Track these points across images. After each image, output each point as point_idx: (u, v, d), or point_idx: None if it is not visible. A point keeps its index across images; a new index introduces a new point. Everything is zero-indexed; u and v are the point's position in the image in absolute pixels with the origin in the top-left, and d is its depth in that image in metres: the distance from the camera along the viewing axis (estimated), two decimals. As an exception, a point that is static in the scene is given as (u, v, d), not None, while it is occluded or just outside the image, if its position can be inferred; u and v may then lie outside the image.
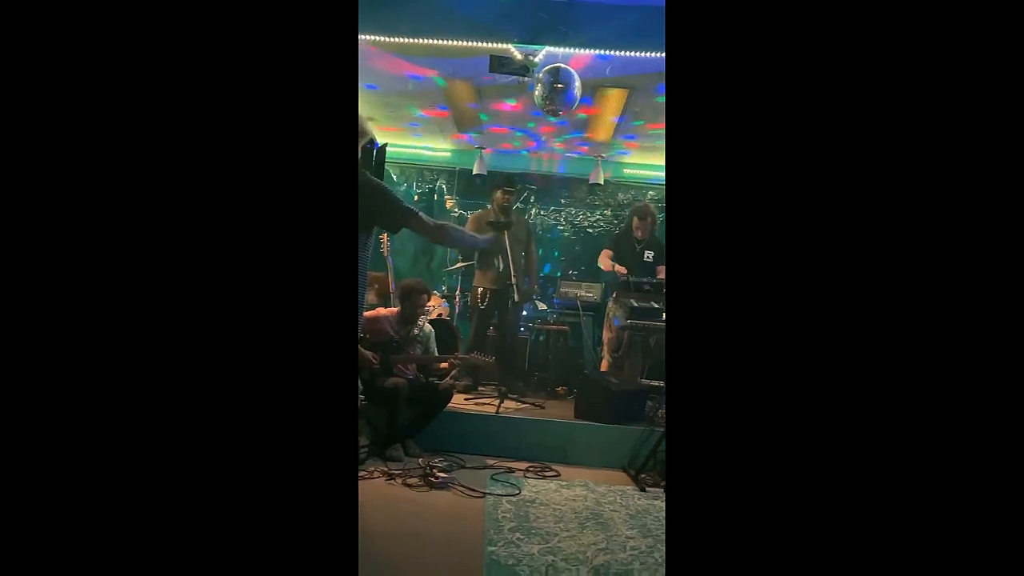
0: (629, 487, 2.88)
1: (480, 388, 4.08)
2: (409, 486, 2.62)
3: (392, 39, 3.36)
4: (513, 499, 2.55)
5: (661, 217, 4.62)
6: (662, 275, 4.04)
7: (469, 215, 4.46)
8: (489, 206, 4.23)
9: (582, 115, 4.33)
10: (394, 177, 5.84)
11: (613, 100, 4.04)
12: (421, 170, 5.81)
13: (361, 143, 1.93)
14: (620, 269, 4.02)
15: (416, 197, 5.86)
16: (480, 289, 4.19)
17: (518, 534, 2.16)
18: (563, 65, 3.36)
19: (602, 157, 5.28)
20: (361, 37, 3.34)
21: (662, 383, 3.67)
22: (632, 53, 3.30)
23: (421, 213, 2.00)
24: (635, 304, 3.79)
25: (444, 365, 3.56)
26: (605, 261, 4.19)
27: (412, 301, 3.30)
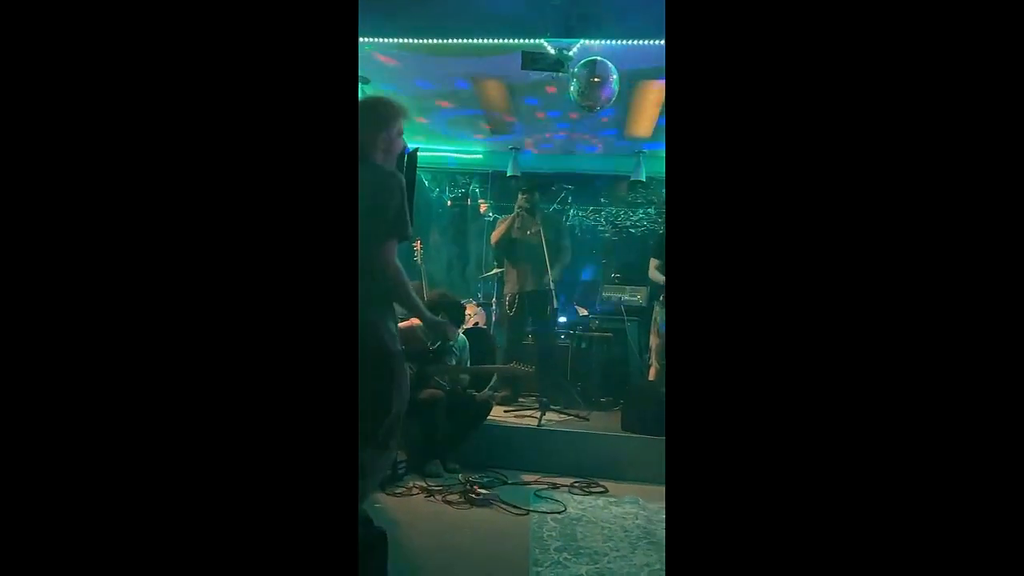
0: (683, 504, 2.83)
1: (520, 400, 4.08)
2: (449, 503, 2.63)
3: (420, 40, 3.40)
4: (559, 516, 2.53)
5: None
6: None
7: (499, 220, 4.47)
8: (515, 210, 4.26)
9: (621, 109, 4.31)
10: (426, 183, 5.91)
11: (654, 92, 4.00)
12: (453, 174, 5.87)
13: (394, 131, 1.83)
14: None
15: (449, 202, 5.92)
16: (509, 296, 4.21)
17: (565, 554, 2.14)
18: (599, 58, 3.34)
19: (643, 153, 5.24)
20: (386, 40, 3.39)
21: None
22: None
23: (393, 248, 1.76)
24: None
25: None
26: (654, 274, 4.11)
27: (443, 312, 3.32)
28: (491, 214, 5.81)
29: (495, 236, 4.29)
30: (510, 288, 4.25)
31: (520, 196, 4.22)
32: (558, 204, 5.42)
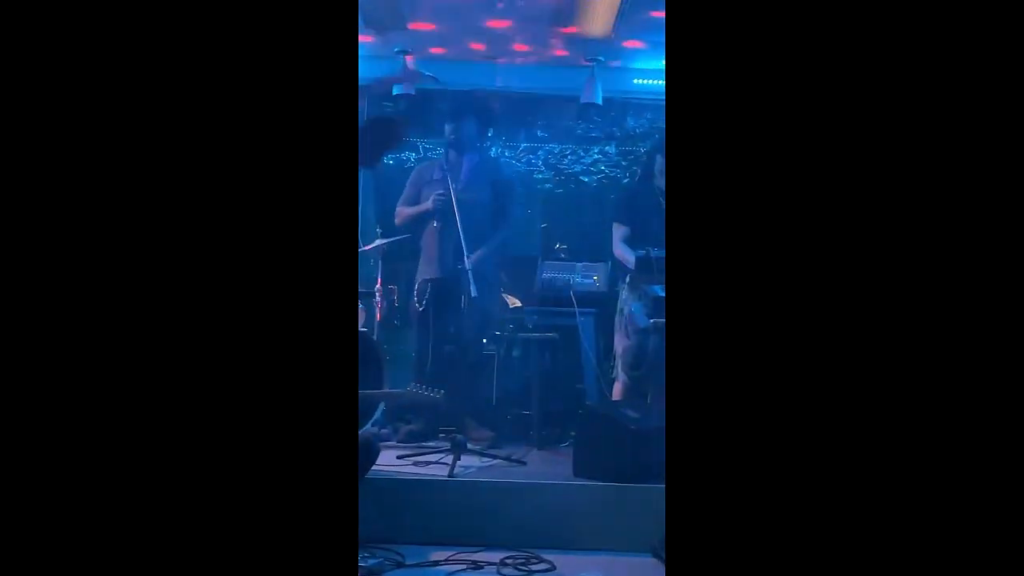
0: (665, 583, 2.89)
1: (424, 441, 4.11)
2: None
3: None
4: (485, 614, 2.56)
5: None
6: None
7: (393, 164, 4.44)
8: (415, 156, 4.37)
9: None
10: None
11: None
12: None
13: None
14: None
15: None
16: (419, 282, 4.27)
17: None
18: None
19: (598, 62, 5.32)
20: None
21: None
22: None
23: None
24: (664, 294, 3.76)
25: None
26: (620, 249, 4.19)
27: None
28: None
29: (400, 218, 4.42)
30: (423, 271, 4.30)
31: (446, 128, 4.29)
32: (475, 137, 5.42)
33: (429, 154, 5.67)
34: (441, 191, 4.21)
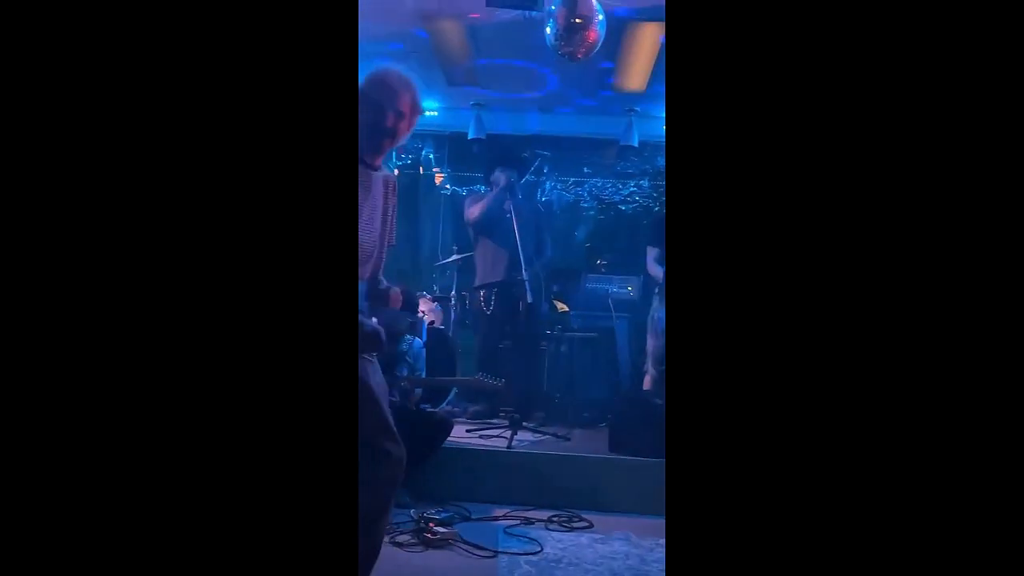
0: (683, 539, 2.90)
1: (488, 419, 4.13)
2: (399, 545, 2.64)
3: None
4: (534, 559, 2.58)
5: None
6: None
7: (466, 196, 4.47)
8: (485, 188, 4.35)
9: (608, 60, 4.36)
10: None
11: (648, 36, 4.03)
12: None
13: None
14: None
15: (396, 171, 5.90)
16: (484, 289, 4.26)
17: (542, 604, 2.17)
18: (582, -6, 3.34)
19: (634, 112, 5.29)
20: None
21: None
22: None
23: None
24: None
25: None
26: (653, 267, 4.19)
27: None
28: (448, 186, 5.79)
29: (476, 210, 4.30)
30: (482, 277, 4.29)
31: (499, 174, 4.27)
32: (531, 175, 5.42)
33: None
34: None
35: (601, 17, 3.34)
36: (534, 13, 3.33)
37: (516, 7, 3.31)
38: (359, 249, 1.81)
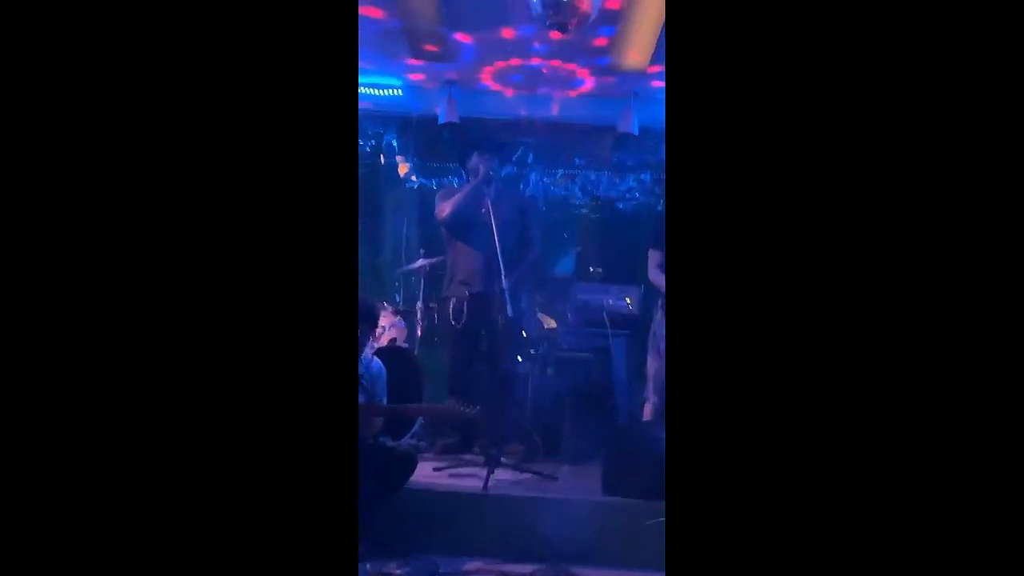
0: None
1: (461, 454, 4.07)
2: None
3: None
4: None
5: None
6: None
7: (437, 190, 4.50)
8: (459, 181, 4.28)
9: (604, 33, 4.31)
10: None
11: (651, 9, 3.96)
12: (360, 118, 5.71)
13: None
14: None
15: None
16: (455, 299, 4.16)
17: None
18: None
19: (635, 95, 5.26)
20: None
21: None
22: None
23: None
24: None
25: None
26: (655, 274, 4.09)
27: None
28: (415, 178, 5.75)
29: (448, 207, 4.17)
30: (455, 288, 4.19)
31: (475, 158, 4.17)
32: (513, 165, 5.48)
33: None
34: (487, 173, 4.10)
35: (597, -20, 3.27)
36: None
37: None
38: None
